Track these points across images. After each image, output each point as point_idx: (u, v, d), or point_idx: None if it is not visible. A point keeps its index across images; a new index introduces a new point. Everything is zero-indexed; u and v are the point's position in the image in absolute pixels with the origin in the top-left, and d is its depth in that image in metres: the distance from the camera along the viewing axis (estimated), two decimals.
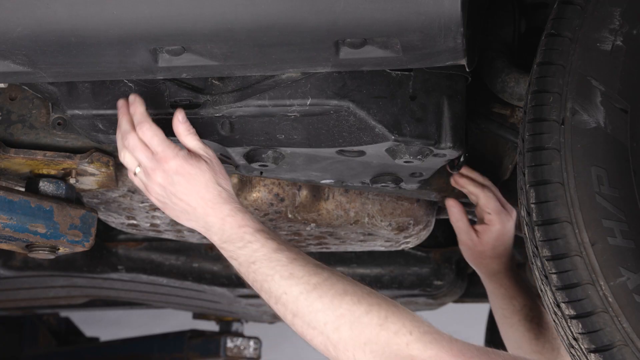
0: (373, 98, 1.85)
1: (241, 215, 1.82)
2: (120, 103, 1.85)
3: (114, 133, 1.90)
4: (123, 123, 1.83)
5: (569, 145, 1.60)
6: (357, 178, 2.08)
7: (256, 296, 2.99)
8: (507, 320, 2.25)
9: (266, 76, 1.86)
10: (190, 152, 1.83)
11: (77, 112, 1.89)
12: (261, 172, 2.03)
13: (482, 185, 2.20)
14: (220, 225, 1.82)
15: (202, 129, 1.89)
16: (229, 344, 3.77)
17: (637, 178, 1.60)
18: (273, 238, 1.80)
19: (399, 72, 1.86)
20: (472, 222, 2.30)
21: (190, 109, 1.90)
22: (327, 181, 2.13)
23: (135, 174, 1.85)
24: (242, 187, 2.22)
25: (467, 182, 2.20)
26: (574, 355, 1.65)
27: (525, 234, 1.70)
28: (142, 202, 2.24)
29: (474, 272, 3.03)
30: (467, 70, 1.77)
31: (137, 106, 1.82)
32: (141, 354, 3.93)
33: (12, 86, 2.01)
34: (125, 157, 1.85)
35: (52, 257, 2.03)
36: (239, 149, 1.91)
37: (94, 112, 1.89)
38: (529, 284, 2.33)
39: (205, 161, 1.83)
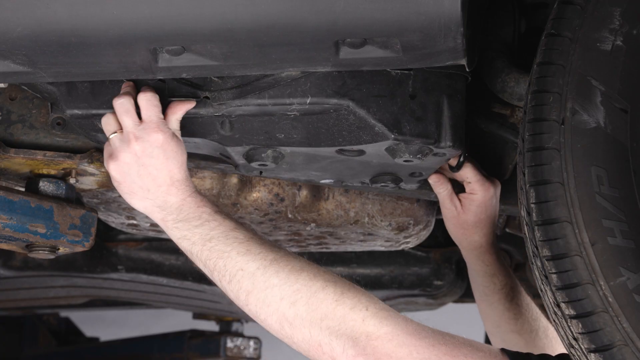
0: (373, 97, 1.85)
1: (200, 198, 1.83)
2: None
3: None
4: (125, 86, 1.84)
5: (569, 145, 1.60)
6: (356, 178, 2.08)
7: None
8: (487, 298, 2.24)
9: (266, 74, 1.86)
10: (173, 132, 1.84)
11: (76, 111, 1.89)
12: (260, 172, 2.03)
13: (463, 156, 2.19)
14: (180, 205, 1.82)
15: (202, 128, 1.89)
16: (229, 344, 3.77)
17: (637, 178, 1.60)
18: (230, 219, 1.81)
19: (399, 71, 1.86)
20: None
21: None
22: (327, 181, 2.13)
23: (108, 138, 1.83)
24: (242, 187, 2.22)
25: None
26: (574, 355, 1.65)
27: (525, 234, 1.70)
28: None
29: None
30: (467, 70, 1.76)
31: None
32: (141, 354, 3.93)
33: (12, 86, 2.01)
34: (107, 119, 1.83)
35: (52, 257, 2.03)
36: (238, 149, 1.91)
37: (94, 111, 1.89)
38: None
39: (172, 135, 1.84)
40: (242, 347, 3.78)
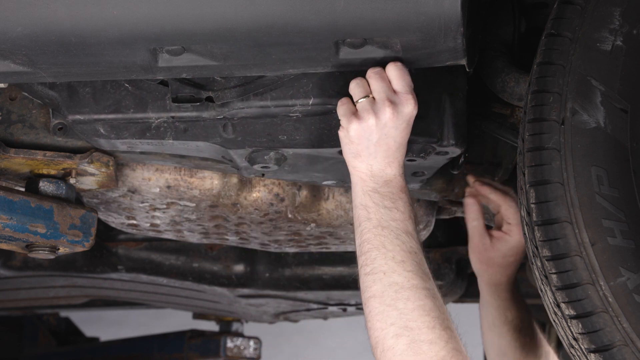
0: None
1: (405, 183, 1.80)
2: None
3: (116, 137, 1.91)
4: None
5: (569, 145, 1.60)
6: None
7: (256, 296, 3.00)
8: (495, 329, 2.24)
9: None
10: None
11: (78, 117, 1.89)
12: (263, 174, 2.03)
13: (505, 193, 2.18)
14: (390, 179, 1.78)
15: (204, 132, 1.89)
16: (229, 344, 3.77)
17: (637, 178, 1.60)
18: (411, 221, 1.77)
19: None
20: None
21: (192, 102, 1.91)
22: (329, 182, 2.13)
23: (356, 100, 1.77)
24: (242, 187, 2.22)
25: (489, 189, 2.17)
26: (574, 355, 1.65)
27: (525, 234, 1.70)
28: (142, 202, 2.24)
29: (474, 272, 3.04)
30: (467, 70, 1.77)
31: None
32: (141, 354, 3.92)
33: (12, 86, 2.01)
34: (358, 81, 1.77)
35: (52, 257, 2.03)
36: (240, 151, 1.91)
37: (95, 116, 1.89)
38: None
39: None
40: (242, 347, 3.78)
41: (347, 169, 1.92)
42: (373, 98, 1.76)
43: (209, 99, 1.88)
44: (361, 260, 1.76)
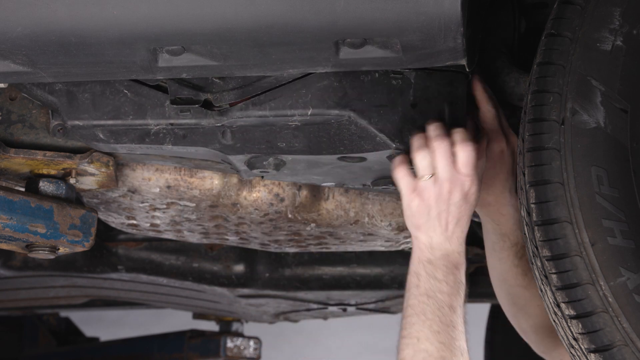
0: (374, 107, 1.86)
1: (462, 260, 1.88)
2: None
3: (115, 142, 1.91)
4: (438, 127, 1.83)
5: (569, 145, 1.60)
6: (358, 181, 2.09)
7: (256, 296, 3.01)
8: (495, 253, 2.20)
9: (266, 75, 1.86)
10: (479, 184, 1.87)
11: (77, 122, 1.90)
12: (262, 176, 2.04)
13: (489, 99, 2.11)
14: (447, 253, 1.86)
15: (203, 138, 1.90)
16: (229, 344, 3.77)
17: (637, 178, 1.60)
18: (460, 297, 1.85)
19: (400, 80, 1.87)
20: None
21: (191, 104, 1.91)
22: (329, 183, 2.14)
23: (421, 176, 1.85)
24: (242, 187, 2.22)
25: (481, 89, 2.11)
26: (574, 355, 1.65)
27: (525, 234, 1.70)
28: (142, 202, 2.24)
29: (474, 272, 3.04)
30: (467, 70, 1.76)
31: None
32: (141, 354, 3.92)
33: (12, 86, 2.01)
34: (424, 159, 1.84)
35: (52, 257, 2.03)
36: (240, 157, 1.92)
37: (94, 122, 1.90)
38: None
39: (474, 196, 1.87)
40: (242, 347, 3.78)
41: (346, 172, 1.92)
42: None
43: (207, 105, 1.88)
44: (402, 323, 1.84)
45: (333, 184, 2.14)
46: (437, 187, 1.84)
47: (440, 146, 1.82)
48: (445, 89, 1.88)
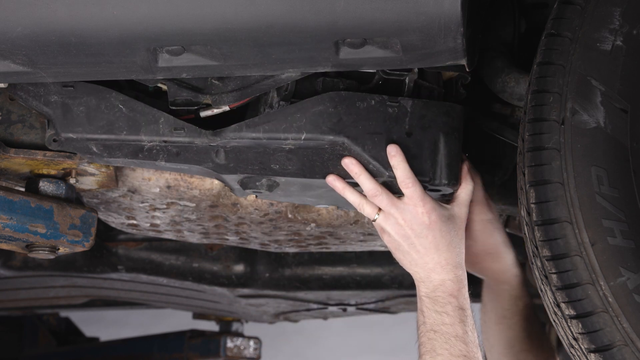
0: (368, 134, 1.87)
1: (458, 287, 1.90)
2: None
3: (108, 156, 1.92)
4: (354, 164, 1.88)
5: (569, 145, 1.60)
6: (351, 205, 2.07)
7: (256, 296, 3.00)
8: (506, 320, 2.23)
9: (266, 75, 1.86)
10: (442, 207, 1.89)
11: (70, 135, 1.91)
12: (256, 196, 2.05)
13: (476, 173, 2.13)
14: (438, 284, 1.89)
15: (197, 156, 1.91)
16: (229, 344, 3.77)
17: (637, 178, 1.60)
18: (464, 322, 1.87)
19: (396, 108, 1.87)
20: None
21: (190, 106, 1.90)
22: (323, 205, 2.16)
23: (374, 220, 1.91)
24: None
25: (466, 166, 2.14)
26: (574, 355, 1.65)
27: (525, 234, 1.70)
28: (142, 202, 2.24)
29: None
30: (467, 70, 1.76)
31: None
32: (141, 354, 3.92)
33: (12, 86, 2.01)
34: (362, 206, 1.91)
35: (52, 257, 2.03)
36: (233, 176, 1.93)
37: (88, 136, 1.91)
38: (528, 282, 2.29)
39: (455, 218, 1.90)
40: (242, 347, 3.78)
41: (339, 195, 1.94)
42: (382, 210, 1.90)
43: (202, 130, 1.88)
44: (419, 354, 1.89)
45: (327, 206, 2.16)
46: (391, 222, 1.89)
47: (371, 192, 1.88)
48: (441, 119, 1.89)
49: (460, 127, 1.91)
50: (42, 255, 2.01)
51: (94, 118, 1.90)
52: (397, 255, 1.94)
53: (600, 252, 1.57)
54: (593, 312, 1.57)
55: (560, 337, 1.68)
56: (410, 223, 1.88)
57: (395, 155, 1.85)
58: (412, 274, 1.94)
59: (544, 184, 1.62)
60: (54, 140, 1.96)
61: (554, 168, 1.61)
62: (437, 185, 1.89)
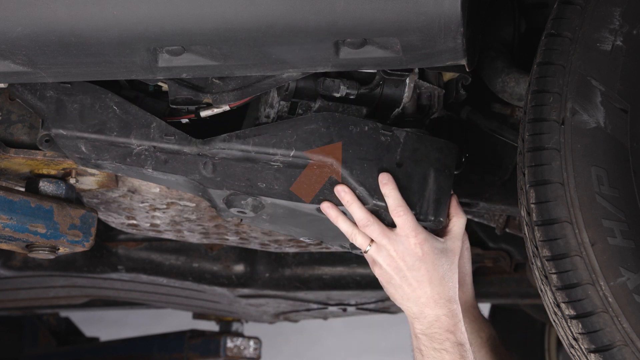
0: (358, 159, 1.86)
1: (453, 321, 1.85)
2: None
3: (96, 158, 1.90)
4: (345, 193, 1.86)
5: (569, 145, 1.60)
6: (336, 240, 2.06)
7: (256, 296, 3.00)
8: (475, 355, 2.22)
9: (267, 75, 1.86)
10: (435, 239, 1.86)
11: (61, 131, 1.89)
12: (241, 220, 2.03)
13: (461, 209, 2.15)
14: (433, 320, 1.85)
15: (184, 166, 1.90)
16: (229, 344, 3.77)
17: (637, 178, 1.60)
18: (465, 358, 1.84)
19: (389, 137, 1.87)
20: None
21: (190, 105, 1.90)
22: (307, 239, 2.14)
23: (365, 251, 1.88)
24: None
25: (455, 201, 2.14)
26: (574, 355, 1.65)
27: (525, 234, 1.70)
28: (142, 202, 2.24)
29: (474, 272, 3.03)
30: (467, 70, 1.77)
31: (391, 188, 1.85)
32: (141, 354, 3.92)
33: (12, 86, 2.01)
34: (355, 237, 1.87)
35: (52, 257, 2.03)
36: (219, 192, 1.91)
37: (78, 134, 1.90)
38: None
39: (448, 252, 1.87)
40: (242, 347, 3.78)
41: (325, 227, 1.92)
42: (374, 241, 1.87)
43: (192, 138, 1.88)
44: None
45: (311, 240, 2.15)
46: (383, 254, 1.85)
47: (363, 223, 1.85)
48: (434, 154, 1.88)
49: (453, 165, 1.90)
50: (42, 255, 2.01)
51: (87, 116, 1.89)
52: (389, 290, 1.90)
53: (600, 252, 1.57)
54: (593, 312, 1.57)
55: (560, 337, 1.68)
56: (402, 255, 1.84)
57: (387, 183, 1.83)
58: (404, 310, 1.89)
59: (544, 184, 1.62)
60: (46, 141, 1.94)
61: (554, 168, 1.61)
62: (422, 221, 1.87)
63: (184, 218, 2.30)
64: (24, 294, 3.26)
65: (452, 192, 1.91)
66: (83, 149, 1.91)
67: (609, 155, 1.60)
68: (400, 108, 1.94)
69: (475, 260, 2.89)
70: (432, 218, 1.87)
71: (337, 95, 1.89)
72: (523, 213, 1.68)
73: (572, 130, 1.61)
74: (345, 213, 1.87)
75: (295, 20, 1.56)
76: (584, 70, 1.62)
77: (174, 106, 1.93)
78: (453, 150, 1.90)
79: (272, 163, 1.88)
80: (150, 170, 1.91)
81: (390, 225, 1.87)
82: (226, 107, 1.93)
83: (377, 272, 1.89)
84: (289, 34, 1.59)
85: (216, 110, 1.93)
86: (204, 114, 1.94)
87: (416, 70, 1.92)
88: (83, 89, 1.90)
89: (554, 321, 1.68)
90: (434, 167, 1.88)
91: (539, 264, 1.64)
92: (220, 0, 1.55)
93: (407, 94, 1.92)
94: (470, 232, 2.91)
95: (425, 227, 1.88)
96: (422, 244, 1.83)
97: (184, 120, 1.97)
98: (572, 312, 1.58)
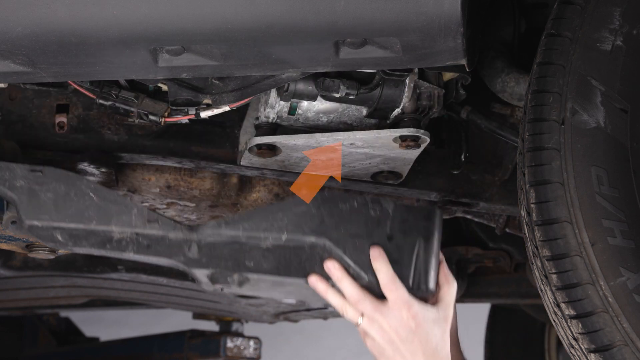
0: (350, 237, 1.85)
1: None
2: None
3: (73, 245, 1.85)
4: (336, 269, 1.84)
5: (569, 145, 1.61)
6: (321, 301, 2.05)
7: (256, 296, 3.00)
8: None
9: (266, 75, 1.86)
10: (427, 309, 1.84)
11: (35, 223, 1.82)
12: (222, 289, 2.00)
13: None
14: None
15: (168, 250, 1.85)
16: (229, 344, 3.77)
17: (637, 178, 1.60)
18: None
19: (378, 211, 1.87)
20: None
21: (190, 106, 1.90)
22: (290, 301, 2.13)
23: (357, 324, 1.86)
24: (242, 187, 2.22)
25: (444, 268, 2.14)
26: (574, 355, 1.65)
27: (525, 234, 1.70)
28: (142, 202, 2.24)
29: (473, 272, 3.03)
30: (467, 70, 1.77)
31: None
32: (141, 354, 3.92)
33: (12, 86, 2.01)
34: (345, 310, 1.86)
35: (52, 257, 2.03)
36: (204, 270, 1.90)
37: (55, 224, 1.82)
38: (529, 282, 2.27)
39: (441, 321, 1.85)
40: (242, 347, 3.78)
41: (311, 293, 1.91)
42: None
43: (177, 223, 1.86)
44: None
45: (294, 302, 2.13)
46: (375, 327, 1.83)
47: (353, 299, 1.83)
48: (421, 223, 1.88)
49: (439, 230, 1.90)
50: (42, 255, 2.01)
51: (63, 205, 1.82)
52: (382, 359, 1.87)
53: (600, 252, 1.57)
54: (593, 312, 1.57)
55: (560, 337, 1.68)
56: (395, 328, 1.82)
57: (377, 258, 1.82)
58: None
59: (544, 184, 1.62)
60: (12, 222, 1.88)
61: (554, 168, 1.61)
62: (414, 292, 1.86)
63: (184, 218, 2.30)
64: (24, 294, 3.26)
65: (440, 257, 1.91)
66: (59, 237, 1.84)
67: (609, 155, 1.60)
68: (400, 108, 1.94)
69: (475, 260, 2.89)
70: (424, 288, 1.86)
71: (337, 95, 1.89)
72: (523, 213, 1.68)
73: (572, 130, 1.61)
74: (333, 286, 1.86)
75: (295, 20, 1.56)
76: (584, 70, 1.62)
77: (174, 107, 1.93)
78: (438, 216, 1.89)
79: (261, 245, 1.86)
80: (131, 254, 1.86)
81: (381, 296, 1.86)
82: (226, 108, 1.93)
83: (369, 344, 1.87)
84: (289, 34, 1.59)
85: (216, 111, 1.93)
86: (204, 114, 1.94)
87: (416, 70, 1.92)
88: (56, 176, 1.84)
89: (554, 321, 1.68)
90: (422, 235, 1.88)
91: (539, 264, 1.64)
92: (220, 0, 1.55)
93: (406, 93, 1.92)
94: (470, 232, 2.91)
95: (419, 294, 1.88)
96: (415, 316, 1.82)
97: (184, 121, 1.97)
98: (572, 312, 1.58)
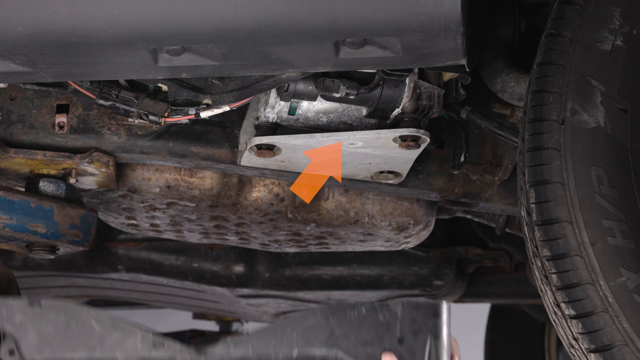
0: (361, 344, 1.85)
1: None
2: None
3: None
4: None
5: (569, 145, 1.61)
6: None
7: (256, 296, 3.00)
8: None
9: (266, 75, 1.86)
10: None
11: (36, 357, 1.77)
12: None
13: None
14: None
15: None
16: None
17: (637, 178, 1.60)
18: None
19: (387, 314, 1.87)
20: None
21: (190, 106, 1.90)
22: None
23: None
24: (242, 187, 2.22)
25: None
26: (574, 355, 1.65)
27: (525, 234, 1.70)
28: (142, 202, 2.24)
29: (473, 272, 3.04)
30: (467, 70, 1.77)
31: None
32: None
33: (12, 86, 2.01)
34: None
35: (52, 257, 2.03)
36: None
37: (58, 356, 1.75)
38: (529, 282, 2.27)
39: None
40: None
41: None
42: None
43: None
44: None
45: None
46: None
47: None
48: (431, 321, 1.87)
49: (448, 325, 1.89)
50: (42, 255, 2.01)
51: (64, 337, 1.79)
52: None
53: (600, 252, 1.57)
54: (593, 312, 1.57)
55: (560, 337, 1.68)
56: None
57: None
58: None
59: (544, 184, 1.62)
60: (10, 352, 1.87)
61: (554, 168, 1.61)
62: None
63: (184, 218, 2.30)
64: (24, 294, 3.26)
65: (453, 346, 1.91)
66: None
67: (609, 155, 1.60)
68: (400, 108, 1.94)
69: (475, 260, 2.89)
70: None
71: (337, 95, 1.89)
72: (523, 213, 1.68)
73: (572, 130, 1.61)
74: None
75: (295, 20, 1.56)
76: (584, 70, 1.62)
77: (174, 107, 1.93)
78: (447, 310, 1.89)
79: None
80: None
81: None
82: (226, 108, 1.93)
83: None
84: (289, 34, 1.59)
85: (216, 111, 1.94)
86: (204, 114, 1.94)
87: (416, 70, 1.92)
88: (55, 308, 1.80)
89: (554, 321, 1.68)
90: (432, 333, 1.87)
91: (539, 264, 1.64)
92: (220, 0, 1.55)
93: (406, 94, 1.92)
94: (470, 232, 2.91)
95: None
96: None
97: (184, 121, 1.98)
98: (572, 312, 1.58)
